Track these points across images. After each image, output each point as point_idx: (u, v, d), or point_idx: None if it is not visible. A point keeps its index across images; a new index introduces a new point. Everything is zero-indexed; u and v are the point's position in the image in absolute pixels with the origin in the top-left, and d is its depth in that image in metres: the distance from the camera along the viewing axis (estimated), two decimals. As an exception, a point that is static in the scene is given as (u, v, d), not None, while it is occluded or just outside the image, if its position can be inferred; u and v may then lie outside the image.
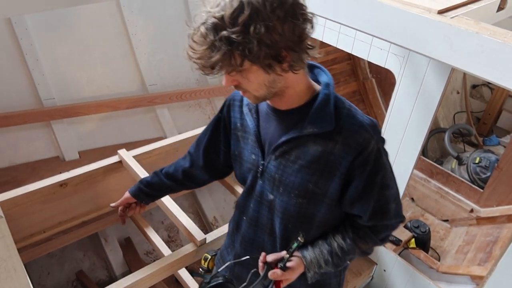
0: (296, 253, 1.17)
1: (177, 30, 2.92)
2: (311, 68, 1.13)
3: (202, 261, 1.58)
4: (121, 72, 2.75)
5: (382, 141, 1.08)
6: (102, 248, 2.44)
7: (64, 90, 2.55)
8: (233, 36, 0.87)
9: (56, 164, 2.47)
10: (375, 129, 1.06)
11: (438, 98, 1.88)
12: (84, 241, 2.39)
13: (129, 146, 2.22)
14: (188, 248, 1.63)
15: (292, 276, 1.16)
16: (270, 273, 1.14)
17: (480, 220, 3.02)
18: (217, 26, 0.88)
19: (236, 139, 1.22)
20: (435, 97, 1.91)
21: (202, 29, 0.90)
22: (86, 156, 2.54)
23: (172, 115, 2.90)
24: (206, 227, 2.90)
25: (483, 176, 3.27)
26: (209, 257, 1.56)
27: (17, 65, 2.38)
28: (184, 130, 2.45)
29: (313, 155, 1.04)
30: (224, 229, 1.74)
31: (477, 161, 3.32)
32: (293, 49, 0.93)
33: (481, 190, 3.03)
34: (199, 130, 2.40)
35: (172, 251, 1.74)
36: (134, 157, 2.08)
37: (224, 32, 0.88)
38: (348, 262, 1.25)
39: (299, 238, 1.16)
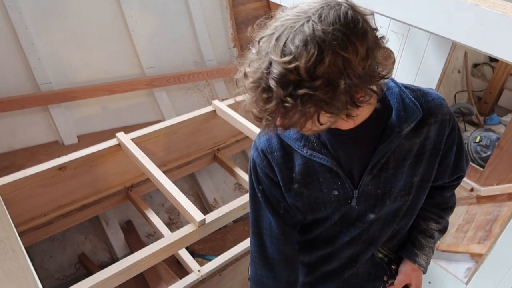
0: (406, 263, 1.17)
1: (174, 12, 2.88)
2: None
3: None
4: (118, 55, 2.71)
5: None
6: (103, 231, 2.46)
7: (61, 74, 2.53)
8: (317, 93, 0.71)
9: (55, 148, 2.47)
10: None
11: (439, 76, 1.86)
12: (85, 224, 2.41)
13: (128, 129, 2.21)
14: (188, 228, 1.64)
15: (412, 281, 1.18)
16: None
17: (480, 199, 3.02)
18: (291, 80, 0.71)
19: (295, 192, 1.00)
20: (435, 74, 1.89)
21: (272, 82, 0.72)
22: (85, 140, 2.53)
23: (170, 98, 2.88)
24: (206, 209, 2.91)
25: (484, 155, 3.26)
26: None
27: (13, 49, 2.36)
28: (183, 113, 2.43)
29: (410, 150, 0.98)
30: (223, 209, 1.75)
31: (477, 140, 3.31)
32: (368, 87, 0.79)
33: (482, 169, 3.02)
34: (197, 113, 2.39)
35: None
36: (133, 140, 2.07)
37: (302, 90, 0.71)
38: None
39: (382, 256, 1.17)
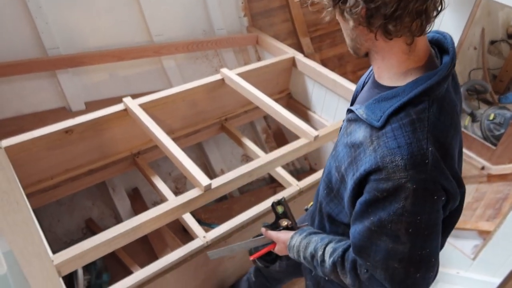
0: (292, 231, 1.19)
1: (184, -23, 2.81)
2: (438, 45, 0.93)
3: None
4: (126, 21, 2.66)
5: (424, 186, 0.82)
6: (110, 198, 2.47)
7: (68, 40, 2.49)
8: None
9: (63, 114, 2.45)
10: (420, 167, 0.81)
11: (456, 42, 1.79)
12: (93, 190, 2.42)
13: (136, 97, 2.17)
14: (194, 193, 1.63)
15: (278, 245, 1.21)
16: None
17: (491, 177, 2.98)
18: None
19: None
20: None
21: None
22: (93, 107, 2.50)
23: (179, 67, 2.84)
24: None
25: (497, 133, 3.19)
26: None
27: (20, 12, 2.32)
28: (191, 82, 2.40)
29: (355, 139, 0.91)
30: (230, 175, 1.73)
31: (491, 118, 3.24)
32: (373, 9, 0.77)
33: (494, 148, 2.97)
34: (206, 80, 2.35)
35: (179, 200, 1.73)
36: (140, 105, 2.05)
37: None
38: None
39: (280, 209, 1.22)
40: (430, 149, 0.82)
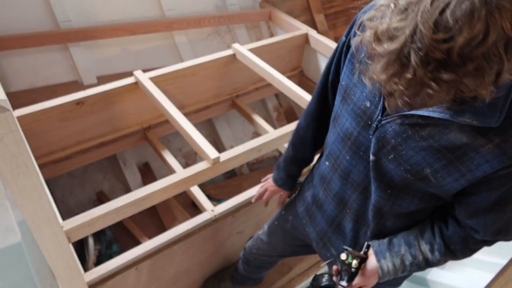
0: (371, 261, 1.06)
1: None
2: None
3: None
4: (137, -5, 2.64)
5: None
6: (121, 171, 2.49)
7: (80, 13, 2.49)
8: (465, 79, 0.61)
9: (75, 88, 2.46)
10: None
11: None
12: (104, 163, 2.44)
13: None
14: (202, 165, 1.63)
15: (368, 283, 1.08)
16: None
17: None
18: (436, 59, 0.59)
19: (351, 69, 0.98)
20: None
21: (413, 56, 0.61)
22: (105, 82, 2.49)
23: (190, 42, 2.82)
24: (223, 157, 2.90)
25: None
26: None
27: (32, -16, 2.32)
28: (203, 59, 2.37)
29: (451, 142, 0.82)
30: (238, 149, 1.73)
31: None
32: None
33: None
34: (217, 56, 2.33)
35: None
36: (151, 79, 2.04)
37: (447, 75, 0.60)
38: None
39: (347, 254, 1.06)
40: None
